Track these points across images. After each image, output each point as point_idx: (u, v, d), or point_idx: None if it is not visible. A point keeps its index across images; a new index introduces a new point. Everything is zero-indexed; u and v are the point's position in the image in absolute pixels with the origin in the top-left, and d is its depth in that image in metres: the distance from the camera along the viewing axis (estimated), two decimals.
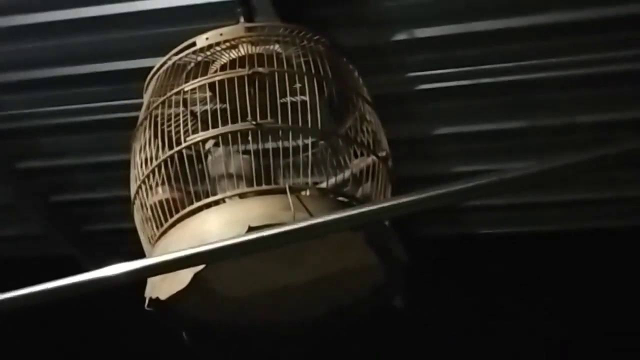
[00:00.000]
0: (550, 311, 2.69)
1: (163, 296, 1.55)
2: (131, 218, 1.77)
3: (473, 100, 2.30)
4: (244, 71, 1.64)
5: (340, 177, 1.70)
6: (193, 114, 1.77)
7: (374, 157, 1.70)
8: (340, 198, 1.64)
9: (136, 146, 1.74)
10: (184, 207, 1.61)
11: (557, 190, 2.59)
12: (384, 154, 1.73)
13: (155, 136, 1.70)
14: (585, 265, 2.68)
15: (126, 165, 1.81)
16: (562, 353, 2.66)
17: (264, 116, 1.63)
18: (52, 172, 2.64)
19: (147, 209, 1.67)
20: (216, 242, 1.30)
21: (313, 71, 1.68)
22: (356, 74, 1.81)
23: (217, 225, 1.52)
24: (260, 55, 1.70)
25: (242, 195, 1.59)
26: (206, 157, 1.69)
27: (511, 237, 2.78)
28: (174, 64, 1.75)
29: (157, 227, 1.64)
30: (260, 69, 1.65)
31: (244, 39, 1.73)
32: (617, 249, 2.65)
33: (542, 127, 2.36)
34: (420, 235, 2.77)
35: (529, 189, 2.52)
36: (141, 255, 1.61)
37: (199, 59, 1.73)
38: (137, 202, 1.70)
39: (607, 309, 2.65)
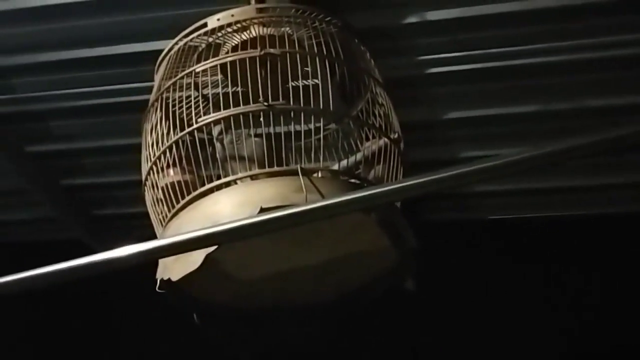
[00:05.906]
0: (559, 296, 2.69)
1: (175, 277, 1.55)
2: (142, 202, 1.77)
3: (484, 84, 2.29)
4: (256, 52, 1.64)
5: (352, 159, 1.70)
6: (204, 96, 1.77)
7: (386, 140, 1.69)
8: (352, 180, 1.64)
9: (147, 127, 1.74)
10: (195, 189, 1.61)
11: (565, 175, 2.58)
12: (395, 136, 1.72)
13: (166, 118, 1.70)
14: (595, 251, 2.67)
15: (137, 148, 1.81)
16: (570, 340, 2.66)
17: (275, 98, 1.62)
18: (62, 156, 2.64)
19: (158, 190, 1.67)
20: (228, 222, 1.30)
21: (325, 52, 1.67)
22: (368, 55, 1.80)
23: (229, 207, 1.52)
24: (271, 36, 1.70)
25: (253, 177, 1.59)
26: (217, 138, 1.69)
27: (520, 222, 2.77)
28: (185, 45, 1.74)
29: (169, 209, 1.64)
30: (272, 50, 1.64)
31: (255, 20, 1.72)
32: (627, 234, 2.63)
33: (552, 111, 2.35)
34: (430, 220, 2.77)
35: (536, 172, 2.51)
36: (152, 239, 1.60)
37: (210, 40, 1.73)
38: (149, 183, 1.70)
39: (618, 295, 2.64)
